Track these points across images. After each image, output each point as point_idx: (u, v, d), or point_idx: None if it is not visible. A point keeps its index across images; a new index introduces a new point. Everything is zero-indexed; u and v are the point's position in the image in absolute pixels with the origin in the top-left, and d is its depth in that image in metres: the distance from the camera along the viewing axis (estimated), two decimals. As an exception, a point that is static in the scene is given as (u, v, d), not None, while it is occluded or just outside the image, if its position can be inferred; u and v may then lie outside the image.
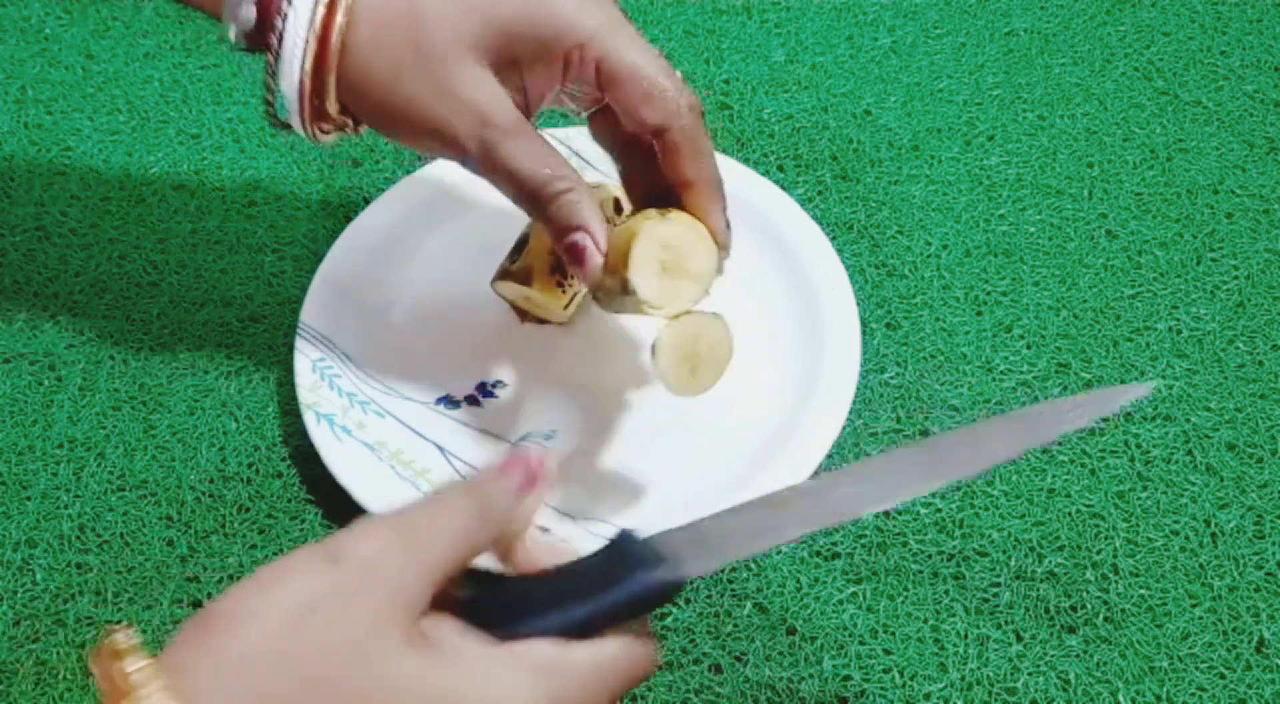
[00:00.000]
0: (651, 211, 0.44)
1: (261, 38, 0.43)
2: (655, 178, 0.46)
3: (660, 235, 0.43)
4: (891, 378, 0.55)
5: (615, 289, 0.44)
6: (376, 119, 0.45)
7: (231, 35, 0.44)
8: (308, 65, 0.43)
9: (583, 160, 0.60)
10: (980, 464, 0.38)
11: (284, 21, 0.42)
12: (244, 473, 0.52)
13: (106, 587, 0.49)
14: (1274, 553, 0.50)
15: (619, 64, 0.44)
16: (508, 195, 0.45)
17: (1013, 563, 0.49)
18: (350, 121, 0.46)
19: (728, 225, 0.46)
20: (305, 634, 0.31)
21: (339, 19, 0.42)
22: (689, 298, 0.44)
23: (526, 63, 0.44)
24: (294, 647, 0.31)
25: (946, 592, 0.48)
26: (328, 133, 0.46)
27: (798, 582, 0.49)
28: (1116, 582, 0.49)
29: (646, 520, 0.49)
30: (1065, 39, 0.68)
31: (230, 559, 0.49)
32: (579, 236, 0.44)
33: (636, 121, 0.44)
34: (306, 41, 0.42)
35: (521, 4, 0.43)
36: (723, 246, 0.46)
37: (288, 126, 0.45)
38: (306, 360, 0.52)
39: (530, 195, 0.44)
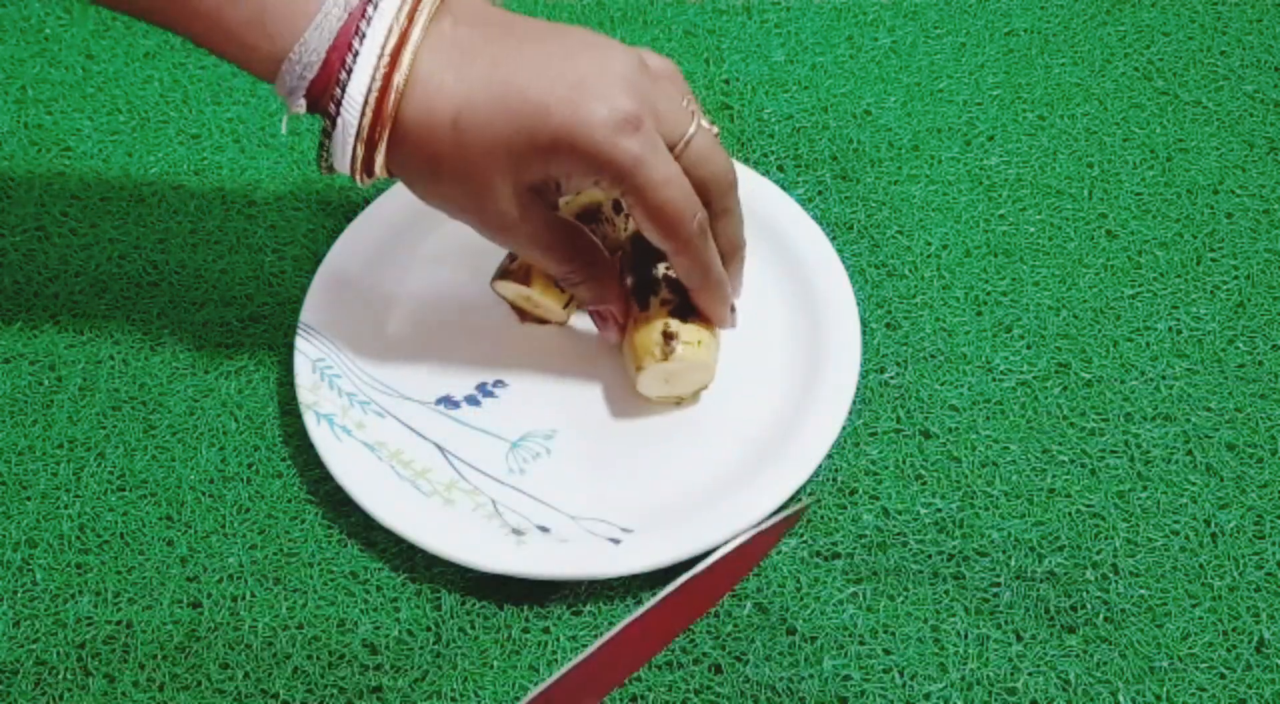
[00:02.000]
0: (657, 334, 0.50)
1: (317, 107, 0.44)
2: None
3: (663, 370, 0.50)
4: (891, 378, 0.55)
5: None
6: (419, 196, 0.47)
7: (292, 104, 0.45)
8: (359, 148, 0.44)
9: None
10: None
11: (338, 106, 0.43)
12: (244, 473, 0.52)
13: (106, 587, 0.49)
14: (1274, 553, 0.50)
15: (642, 205, 0.45)
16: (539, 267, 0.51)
17: (1013, 563, 0.49)
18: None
19: (733, 309, 0.51)
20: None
21: (390, 99, 0.43)
22: (689, 391, 0.52)
23: (557, 176, 0.46)
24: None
25: (946, 592, 0.48)
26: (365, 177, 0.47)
27: (798, 582, 0.49)
28: (1116, 582, 0.49)
29: (646, 520, 0.49)
30: (1065, 39, 0.68)
31: (230, 559, 0.49)
32: (599, 307, 0.51)
33: (649, 238, 0.47)
34: (362, 115, 0.43)
35: (561, 130, 0.43)
36: (726, 323, 0.51)
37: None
38: (306, 360, 0.52)
39: (555, 273, 0.50)
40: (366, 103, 0.43)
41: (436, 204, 0.47)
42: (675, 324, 0.50)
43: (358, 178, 0.46)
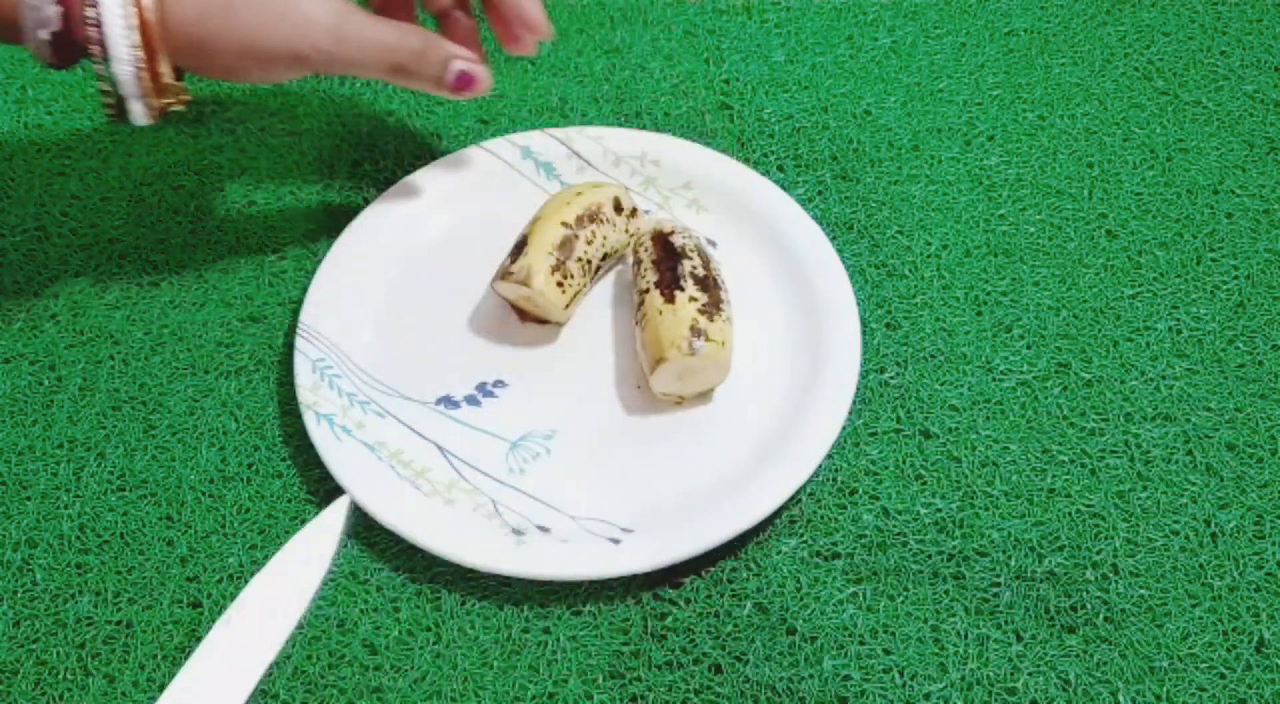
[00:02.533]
0: (685, 329, 0.50)
1: (74, 34, 0.44)
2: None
3: (684, 366, 0.50)
4: (891, 378, 0.55)
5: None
6: (221, 63, 0.46)
7: (36, 47, 0.44)
8: (136, 37, 0.44)
9: (583, 160, 0.60)
10: None
11: (97, 4, 0.43)
12: (244, 473, 0.52)
13: (106, 587, 0.49)
14: (1274, 553, 0.50)
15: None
16: (375, 74, 0.49)
17: (1013, 563, 0.49)
18: (185, 91, 0.47)
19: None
20: None
21: None
22: (698, 390, 0.52)
23: None
24: None
25: (946, 592, 0.48)
26: (170, 105, 0.47)
27: (798, 582, 0.49)
28: (1116, 582, 0.49)
29: (646, 521, 0.49)
30: (1065, 39, 0.68)
31: (230, 559, 0.49)
32: (455, 66, 0.50)
33: None
34: (125, 10, 0.43)
35: None
36: (540, 29, 0.53)
37: (126, 119, 0.46)
38: (306, 360, 0.52)
39: (390, 64, 0.49)
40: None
41: (247, 59, 0.46)
42: (704, 321, 0.50)
43: (151, 96, 0.45)
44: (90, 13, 0.43)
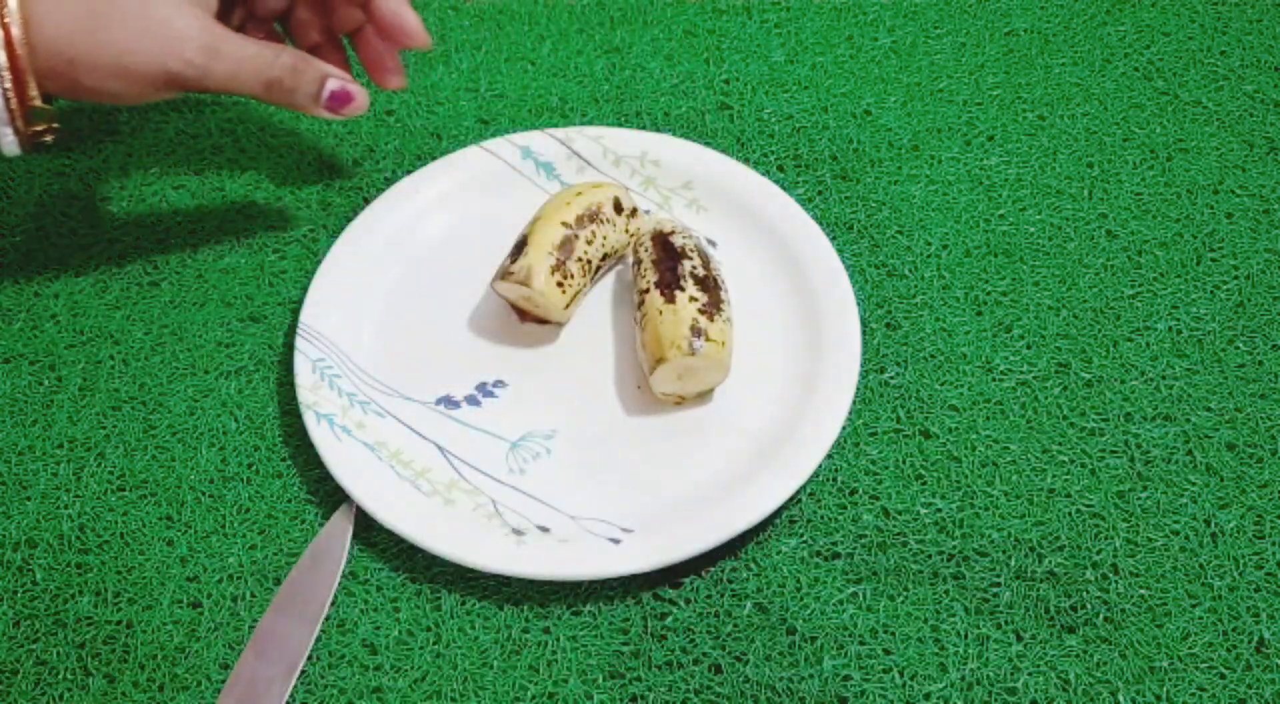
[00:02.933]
0: (685, 329, 0.50)
1: None
2: (312, 26, 0.55)
3: (684, 365, 0.50)
4: (891, 378, 0.55)
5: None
6: (91, 83, 0.46)
7: None
8: (1, 57, 0.43)
9: (583, 160, 0.60)
10: None
11: None
12: (244, 473, 0.52)
13: (106, 587, 0.49)
14: (1274, 553, 0.50)
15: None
16: (249, 91, 0.49)
17: (1013, 563, 0.49)
18: (55, 117, 0.46)
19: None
20: None
21: (10, 3, 0.43)
22: (698, 390, 0.52)
23: None
24: None
25: (946, 592, 0.48)
26: (41, 134, 0.46)
27: (798, 582, 0.49)
28: (1116, 582, 0.49)
29: (646, 521, 0.49)
30: (1065, 39, 0.68)
31: (230, 559, 0.49)
32: (330, 85, 0.50)
33: None
34: None
35: None
36: (419, 38, 0.54)
37: None
38: (306, 360, 0.52)
39: (266, 80, 0.48)
40: None
41: (115, 78, 0.46)
42: (704, 321, 0.50)
43: (20, 122, 0.45)
44: None
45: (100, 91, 0.46)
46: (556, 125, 0.63)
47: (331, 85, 0.50)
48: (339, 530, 0.49)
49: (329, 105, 0.51)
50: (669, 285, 0.51)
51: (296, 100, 0.50)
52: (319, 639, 0.47)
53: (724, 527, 0.48)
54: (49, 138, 0.47)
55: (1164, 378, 0.55)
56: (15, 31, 0.43)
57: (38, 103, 0.45)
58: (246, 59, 0.48)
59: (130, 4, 0.45)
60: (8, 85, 0.44)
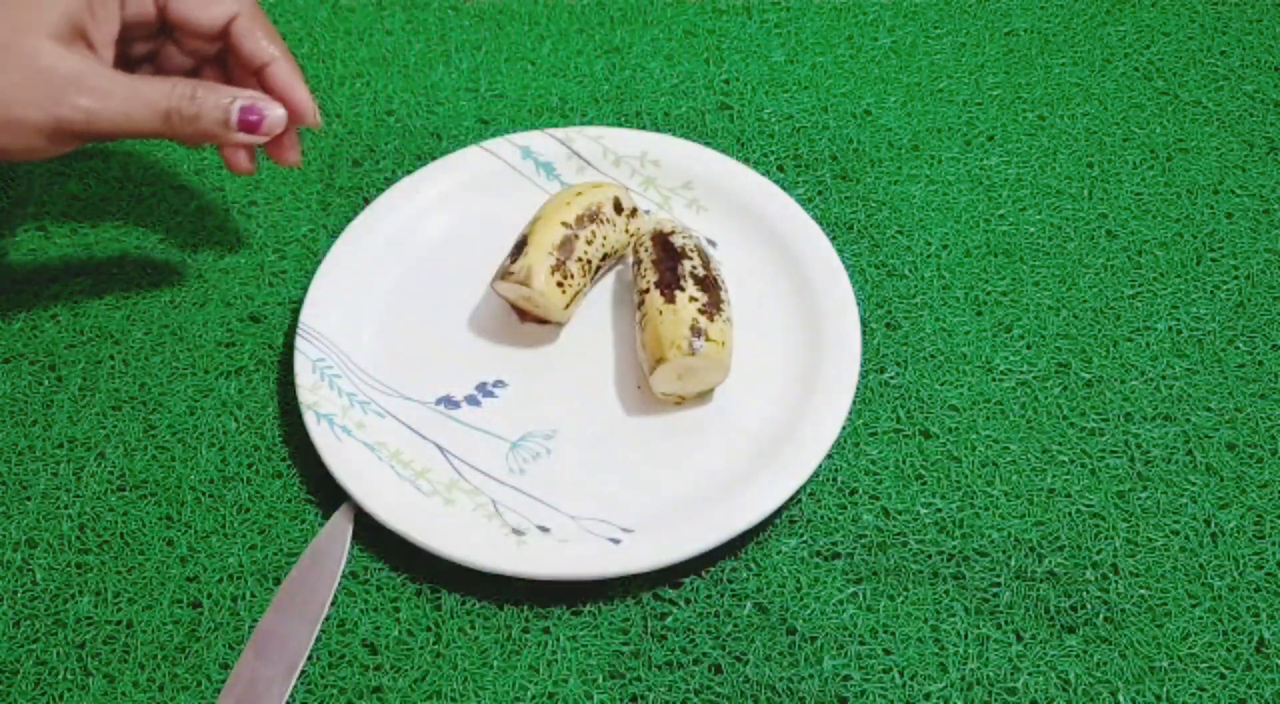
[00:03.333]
0: (685, 329, 0.50)
1: None
2: (235, 76, 0.51)
3: (684, 365, 0.50)
4: (891, 378, 0.55)
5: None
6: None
7: None
8: None
9: (583, 160, 0.60)
10: None
11: None
12: (244, 473, 0.52)
13: (106, 587, 0.49)
14: (1274, 553, 0.50)
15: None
16: (147, 127, 0.46)
17: (1013, 563, 0.49)
18: None
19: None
20: None
21: None
22: (698, 390, 0.52)
23: (90, 23, 0.45)
24: None
25: (946, 592, 0.48)
26: None
27: (798, 582, 0.49)
28: (1116, 582, 0.49)
29: (646, 521, 0.49)
30: (1065, 39, 0.68)
31: (230, 559, 0.49)
32: (238, 106, 0.47)
33: (205, 25, 0.48)
34: None
35: None
36: (311, 117, 0.51)
37: None
38: (306, 360, 0.52)
39: (164, 111, 0.45)
40: None
41: (6, 137, 0.44)
42: (704, 321, 0.50)
43: None
44: None
45: None
46: (556, 125, 0.63)
47: (241, 102, 0.47)
48: (339, 530, 0.49)
49: (242, 125, 0.47)
50: (669, 285, 0.51)
51: (202, 126, 0.46)
52: (319, 639, 0.47)
53: (724, 527, 0.48)
54: None
55: (1164, 378, 0.55)
56: None
57: None
58: (139, 94, 0.45)
59: (11, 55, 0.43)
60: None
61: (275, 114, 0.48)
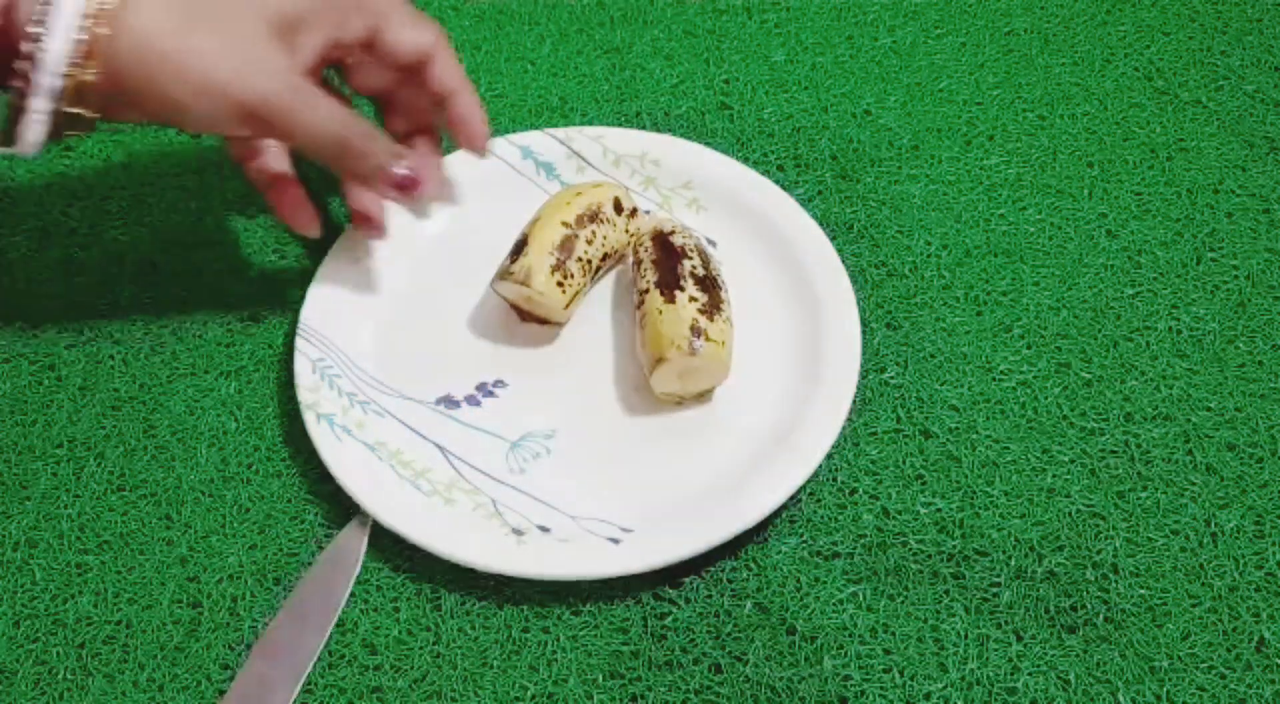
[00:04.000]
0: (685, 328, 0.50)
1: (10, 31, 0.41)
2: (413, 107, 0.53)
3: (684, 365, 0.50)
4: (891, 378, 0.55)
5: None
6: (168, 89, 0.43)
7: None
8: (81, 31, 0.41)
9: (583, 160, 0.60)
10: None
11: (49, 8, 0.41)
12: (244, 473, 0.52)
13: (106, 587, 0.49)
14: (1274, 553, 0.50)
15: (391, 21, 0.49)
16: (318, 145, 0.47)
17: (1013, 563, 0.49)
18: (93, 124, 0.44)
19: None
20: None
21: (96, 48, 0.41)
22: (698, 390, 0.52)
23: (304, 28, 0.46)
24: None
25: (946, 592, 0.48)
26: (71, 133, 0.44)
27: (798, 582, 0.49)
28: (1116, 582, 0.49)
29: (646, 521, 0.49)
30: (1065, 39, 0.68)
31: (230, 559, 0.49)
32: (404, 163, 0.48)
33: (408, 54, 0.50)
34: (83, 15, 0.41)
35: None
36: (482, 149, 0.53)
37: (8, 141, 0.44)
38: (306, 360, 0.52)
39: (342, 139, 0.46)
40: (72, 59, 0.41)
41: (184, 88, 0.43)
42: (704, 321, 0.50)
43: (60, 108, 0.42)
44: (38, 9, 0.41)
45: (174, 102, 0.44)
46: (556, 125, 0.63)
47: (404, 164, 0.48)
48: (355, 539, 0.49)
49: (396, 183, 0.48)
50: (669, 285, 0.51)
51: (364, 167, 0.48)
52: (319, 639, 0.47)
53: (724, 527, 0.48)
54: (75, 136, 0.44)
55: (1164, 378, 0.55)
56: (101, 29, 0.41)
57: (90, 82, 0.42)
58: (327, 111, 0.46)
59: (233, 27, 0.44)
60: (77, 49, 0.41)
61: (430, 189, 0.49)
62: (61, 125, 0.43)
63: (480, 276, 0.56)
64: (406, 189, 0.48)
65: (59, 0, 0.41)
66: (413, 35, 0.49)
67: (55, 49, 0.41)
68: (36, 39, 0.41)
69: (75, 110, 0.42)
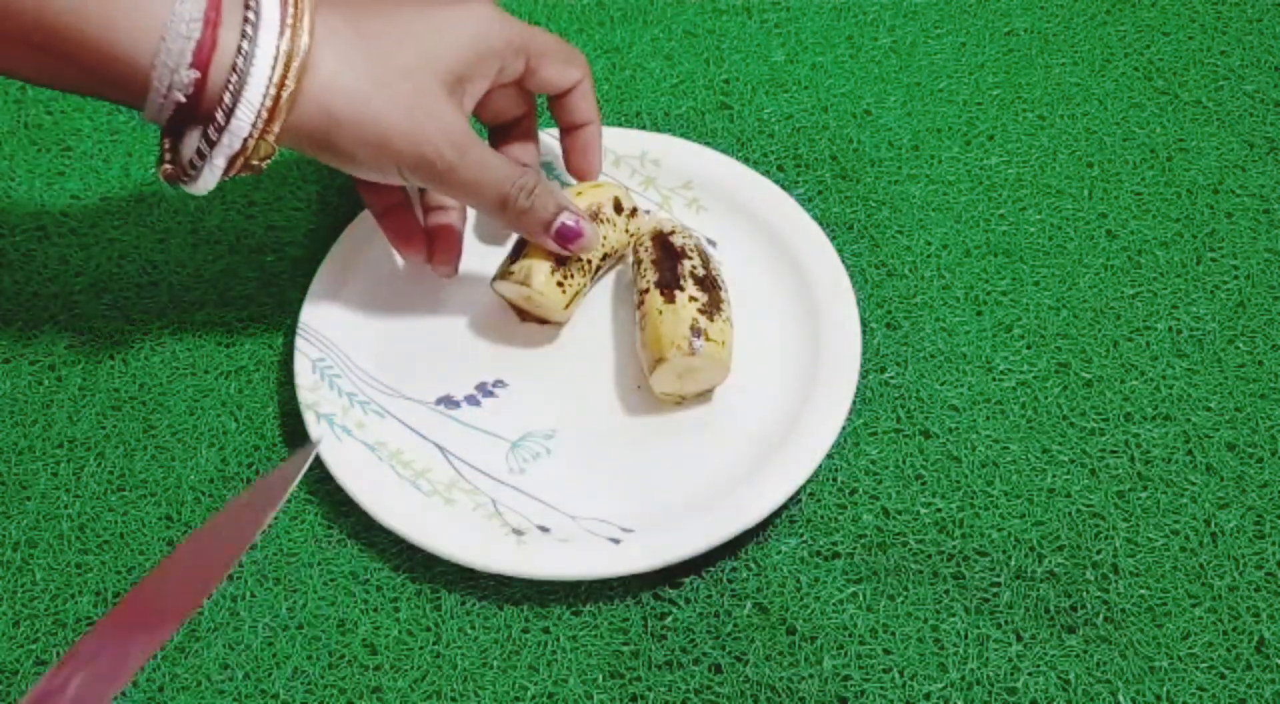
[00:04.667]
0: (685, 328, 0.50)
1: (201, 99, 0.42)
2: (524, 138, 0.55)
3: (684, 365, 0.50)
4: (891, 378, 0.55)
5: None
6: (341, 144, 0.45)
7: (157, 109, 0.42)
8: (268, 98, 0.42)
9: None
10: None
11: (244, 57, 0.41)
12: (244, 473, 0.52)
13: (106, 587, 0.49)
14: (1274, 553, 0.50)
15: (547, 60, 0.51)
16: (477, 204, 0.49)
17: (1013, 563, 0.49)
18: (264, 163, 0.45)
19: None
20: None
21: (303, 40, 0.42)
22: (698, 390, 0.52)
23: (471, 79, 0.48)
24: None
25: (946, 592, 0.48)
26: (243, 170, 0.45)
27: (798, 582, 0.49)
28: (1116, 582, 0.49)
29: (646, 521, 0.49)
30: (1065, 39, 0.68)
31: (230, 559, 0.49)
32: (564, 218, 0.50)
33: (558, 88, 0.52)
34: (273, 68, 0.42)
35: (473, 29, 0.47)
36: (595, 175, 0.55)
37: (178, 179, 0.44)
38: (306, 360, 0.52)
39: (504, 194, 0.48)
40: (263, 104, 0.42)
41: (365, 146, 0.45)
42: (704, 321, 0.50)
43: (239, 159, 0.43)
44: (232, 79, 0.42)
45: (347, 154, 0.45)
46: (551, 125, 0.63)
47: (565, 218, 0.50)
48: (294, 467, 0.44)
49: (557, 238, 0.50)
50: (669, 285, 0.51)
51: (526, 223, 0.49)
52: (319, 639, 0.47)
53: (724, 527, 0.48)
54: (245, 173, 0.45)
55: (1164, 378, 0.55)
56: (295, 63, 0.42)
57: (269, 142, 0.43)
58: (491, 167, 0.47)
59: (407, 84, 0.45)
60: (261, 114, 0.42)
61: (590, 240, 0.51)
62: (237, 171, 0.44)
63: (480, 277, 0.56)
64: (565, 241, 0.50)
65: (253, 69, 0.42)
66: (565, 71, 0.51)
67: (243, 117, 0.42)
68: (228, 109, 0.42)
69: (254, 162, 0.44)
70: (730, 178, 0.59)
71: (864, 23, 0.68)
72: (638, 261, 0.54)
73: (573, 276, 0.53)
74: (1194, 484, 0.51)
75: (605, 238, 0.54)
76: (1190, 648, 0.47)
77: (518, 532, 0.49)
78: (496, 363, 0.54)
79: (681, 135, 0.62)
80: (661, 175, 0.59)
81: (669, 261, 0.52)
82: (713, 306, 0.51)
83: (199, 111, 0.42)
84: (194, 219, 0.60)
